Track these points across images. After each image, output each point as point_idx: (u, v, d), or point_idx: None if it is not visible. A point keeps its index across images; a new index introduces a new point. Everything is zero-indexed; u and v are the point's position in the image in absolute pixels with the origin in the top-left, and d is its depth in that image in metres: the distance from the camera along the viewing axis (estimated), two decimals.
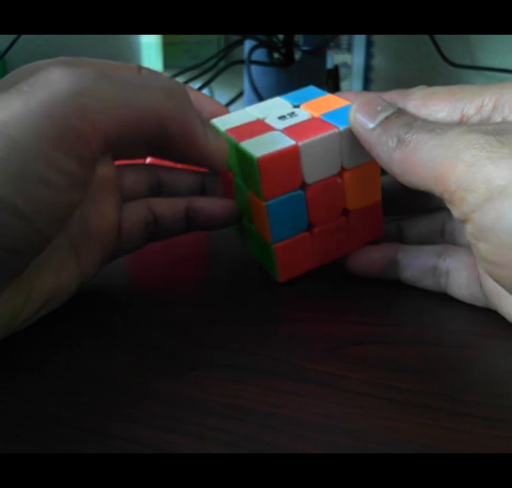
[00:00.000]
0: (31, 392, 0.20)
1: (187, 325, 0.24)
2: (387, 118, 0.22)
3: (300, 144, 0.23)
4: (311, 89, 0.28)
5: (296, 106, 0.26)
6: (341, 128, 0.23)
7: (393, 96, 0.24)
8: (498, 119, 0.21)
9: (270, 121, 0.25)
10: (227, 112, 0.27)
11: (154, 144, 0.22)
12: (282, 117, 0.25)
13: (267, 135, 0.24)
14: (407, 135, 0.21)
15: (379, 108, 0.22)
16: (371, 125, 0.22)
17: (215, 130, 0.25)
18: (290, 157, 0.23)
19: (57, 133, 0.18)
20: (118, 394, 0.20)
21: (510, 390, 0.20)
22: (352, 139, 0.23)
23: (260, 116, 0.26)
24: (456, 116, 0.22)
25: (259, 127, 0.25)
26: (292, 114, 0.25)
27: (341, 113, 0.24)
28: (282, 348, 0.23)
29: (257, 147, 0.23)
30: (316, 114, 0.25)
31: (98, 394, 0.20)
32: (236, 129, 0.25)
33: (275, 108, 0.26)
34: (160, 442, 0.18)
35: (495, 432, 0.18)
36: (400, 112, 0.22)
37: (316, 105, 0.26)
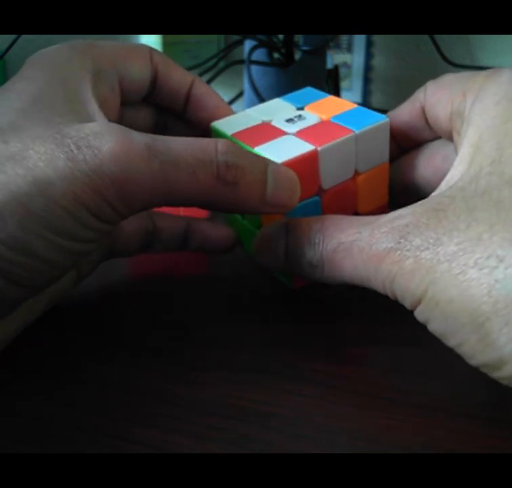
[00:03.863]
0: (31, 392, 0.20)
1: (187, 325, 0.24)
2: (286, 253, 0.22)
3: (319, 148, 0.22)
4: (310, 90, 0.27)
5: (300, 108, 0.26)
6: (357, 131, 0.23)
7: (407, 108, 0.25)
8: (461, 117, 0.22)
9: (278, 124, 0.24)
10: (231, 112, 0.26)
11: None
12: (289, 120, 0.24)
13: (281, 140, 0.23)
14: (316, 261, 0.21)
15: (274, 245, 0.22)
16: (282, 266, 0.22)
17: (283, 176, 0.21)
18: (309, 162, 0.22)
19: (93, 201, 0.18)
20: (118, 394, 0.20)
21: (510, 390, 0.20)
22: (365, 143, 0.23)
23: (264, 118, 0.25)
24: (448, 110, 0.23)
25: (268, 131, 0.24)
26: (299, 117, 0.24)
27: (351, 115, 0.24)
28: (282, 348, 0.22)
29: (275, 153, 0.22)
30: (324, 117, 0.24)
31: (98, 394, 0.20)
32: (243, 133, 0.24)
33: (277, 110, 0.25)
34: (161, 442, 0.18)
35: (495, 432, 0.18)
36: (290, 231, 0.22)
37: (321, 107, 0.25)
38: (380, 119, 0.23)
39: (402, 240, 0.18)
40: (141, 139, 0.18)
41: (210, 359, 0.22)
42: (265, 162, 0.20)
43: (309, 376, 0.21)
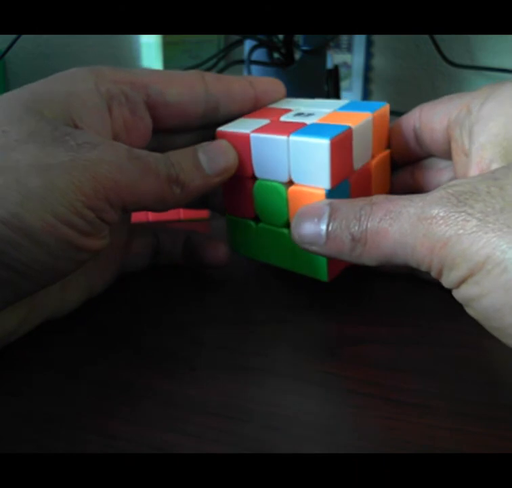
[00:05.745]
0: (31, 392, 0.20)
1: (187, 325, 0.24)
2: (330, 229, 0.20)
3: (251, 134, 0.24)
4: (378, 104, 0.27)
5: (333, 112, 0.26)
6: (290, 137, 0.23)
7: (400, 123, 0.25)
8: (464, 132, 0.22)
9: (289, 114, 0.26)
10: (283, 88, 0.28)
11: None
12: (299, 114, 0.26)
13: (258, 121, 0.25)
14: (360, 233, 0.19)
15: (316, 219, 0.21)
16: (321, 242, 0.21)
17: (212, 147, 0.24)
18: (241, 142, 0.24)
19: (89, 189, 0.19)
20: (118, 394, 0.20)
21: (510, 389, 0.20)
22: (299, 154, 0.23)
23: (299, 108, 0.27)
24: (444, 122, 0.23)
25: (274, 114, 0.26)
26: (308, 115, 0.25)
27: (322, 127, 0.23)
28: (282, 348, 0.23)
29: (235, 126, 0.25)
30: (319, 121, 0.24)
31: (98, 394, 0.20)
32: (265, 110, 0.27)
33: (316, 107, 0.27)
34: (160, 442, 0.18)
35: (495, 432, 0.18)
36: (335, 208, 0.21)
37: (337, 116, 0.25)
38: (321, 139, 0.22)
39: (461, 205, 0.17)
40: (122, 145, 0.21)
41: (210, 359, 0.22)
42: (194, 149, 0.23)
43: (309, 376, 0.21)
